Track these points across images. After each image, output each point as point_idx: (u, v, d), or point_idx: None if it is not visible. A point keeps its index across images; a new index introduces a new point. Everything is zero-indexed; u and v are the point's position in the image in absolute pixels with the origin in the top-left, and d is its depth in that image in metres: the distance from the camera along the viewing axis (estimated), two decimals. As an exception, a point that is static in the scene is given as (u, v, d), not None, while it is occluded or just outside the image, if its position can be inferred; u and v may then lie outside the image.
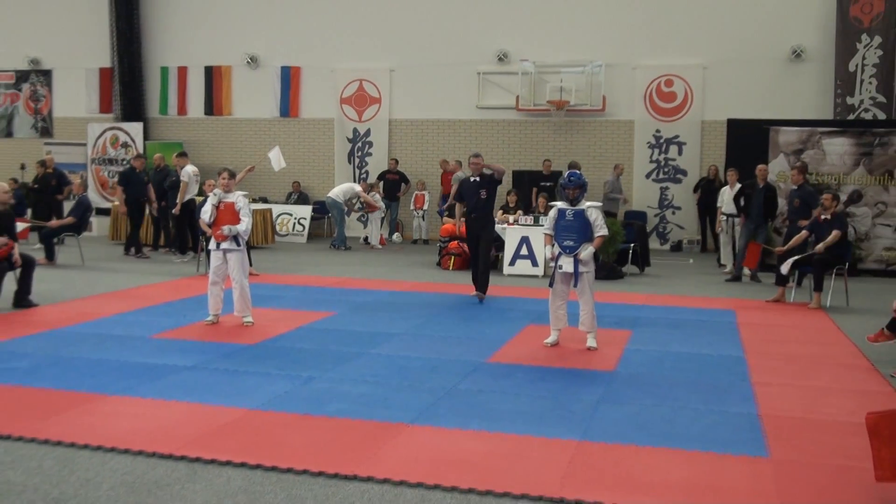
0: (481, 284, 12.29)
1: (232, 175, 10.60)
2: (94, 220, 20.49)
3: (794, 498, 5.17)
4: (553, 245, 9.39)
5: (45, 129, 24.98)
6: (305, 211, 21.68)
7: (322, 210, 21.40)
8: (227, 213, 10.29)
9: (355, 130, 22.67)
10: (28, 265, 11.51)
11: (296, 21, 22.74)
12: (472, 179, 12.34)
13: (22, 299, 11.41)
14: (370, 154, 22.56)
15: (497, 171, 12.36)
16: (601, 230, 9.26)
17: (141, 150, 22.66)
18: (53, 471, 5.47)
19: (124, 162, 22.94)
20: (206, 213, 10.34)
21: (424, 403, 7.05)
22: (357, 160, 22.69)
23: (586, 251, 9.18)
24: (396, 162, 21.58)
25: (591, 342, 9.30)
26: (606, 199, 18.79)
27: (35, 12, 24.69)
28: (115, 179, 19.36)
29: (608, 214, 18.39)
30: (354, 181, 21.34)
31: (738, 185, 15.45)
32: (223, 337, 9.68)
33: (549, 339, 9.48)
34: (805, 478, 5.51)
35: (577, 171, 9.74)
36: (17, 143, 24.95)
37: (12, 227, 11.75)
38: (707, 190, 18.96)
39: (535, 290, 13.24)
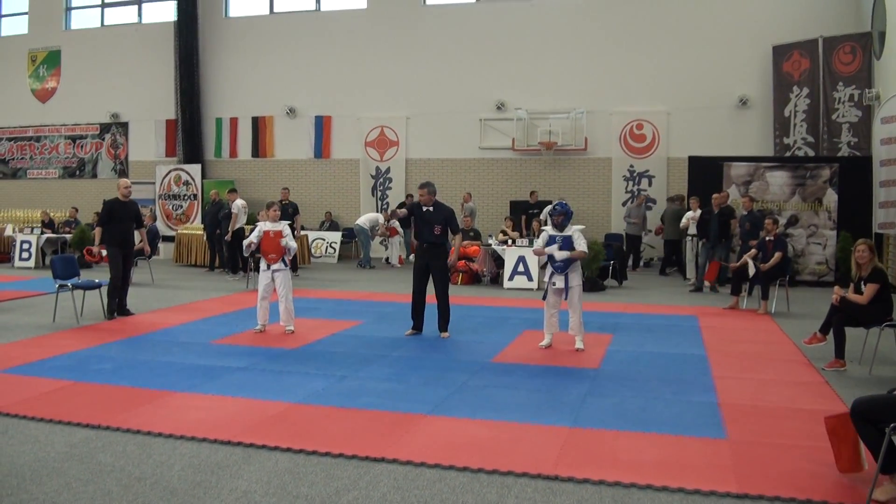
0: (442, 323, 10.22)
1: (278, 209, 10.72)
2: (162, 246, 20.56)
3: (747, 471, 5.18)
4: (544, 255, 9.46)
5: (122, 170, 25.05)
6: (336, 236, 21.66)
7: (350, 235, 21.43)
8: (274, 240, 10.34)
9: (377, 168, 22.72)
10: (126, 279, 11.79)
11: (327, 78, 22.88)
12: (423, 209, 10.16)
13: (121, 308, 11.67)
14: (390, 188, 22.59)
15: (457, 244, 10.50)
16: (581, 247, 9.29)
17: (199, 188, 22.82)
18: (135, 454, 5.52)
19: (185, 197, 23.17)
20: (252, 238, 10.44)
21: (439, 397, 7.06)
22: (379, 193, 22.72)
23: (562, 253, 9.20)
24: (411, 196, 21.55)
25: (579, 344, 9.29)
26: (629, 224, 18.93)
27: (115, 76, 24.92)
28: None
29: (631, 236, 18.39)
30: (377, 211, 21.40)
31: (699, 211, 15.57)
32: (270, 343, 9.69)
33: (544, 342, 9.46)
34: (755, 455, 5.51)
35: (563, 202, 9.75)
36: (100, 182, 25.09)
37: (140, 217, 12.22)
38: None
39: (530, 301, 13.24)
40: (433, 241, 10.17)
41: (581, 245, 9.26)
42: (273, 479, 5.05)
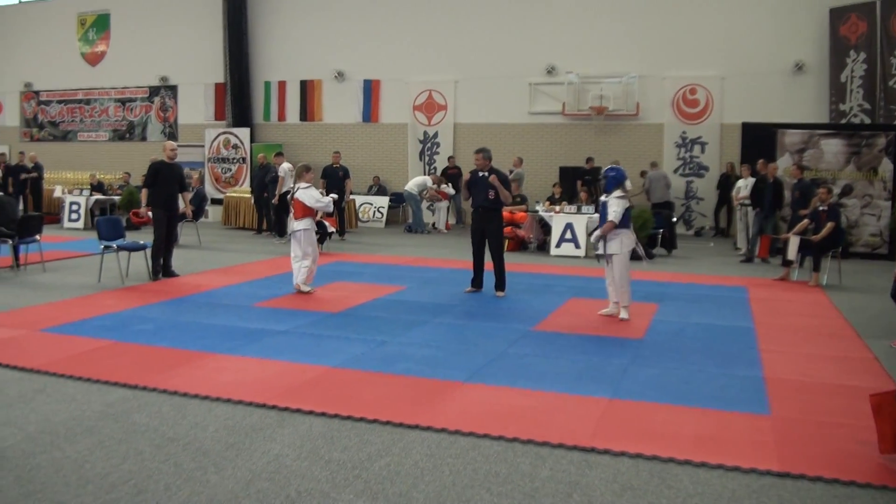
0: (499, 283, 10.72)
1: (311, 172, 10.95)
2: (209, 209, 20.73)
3: (789, 449, 5.04)
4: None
5: (171, 133, 25.29)
6: (384, 201, 21.72)
7: (398, 200, 21.43)
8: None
9: (425, 133, 22.61)
10: (171, 241, 11.98)
11: (376, 41, 22.75)
12: (479, 175, 10.52)
13: (166, 270, 11.83)
14: (437, 153, 22.47)
15: (503, 196, 10.46)
16: (610, 216, 9.06)
17: (248, 151, 22.95)
18: (170, 415, 5.55)
19: (234, 160, 23.34)
20: (322, 201, 10.58)
21: (478, 365, 7.00)
22: (427, 158, 22.64)
23: (596, 233, 9.33)
24: (453, 159, 21.42)
25: (623, 314, 9.15)
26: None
27: (165, 40, 25.11)
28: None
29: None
30: (426, 175, 21.30)
31: (752, 179, 15.26)
32: (312, 306, 9.70)
33: (604, 310, 9.38)
34: (799, 433, 5.37)
35: (613, 167, 9.51)
36: (149, 145, 25.31)
37: (184, 180, 12.39)
38: (724, 184, 18.73)
39: (577, 268, 13.13)
40: (487, 205, 10.54)
41: (611, 214, 9.05)
42: (306, 443, 5.04)
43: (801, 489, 4.47)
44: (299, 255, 10.48)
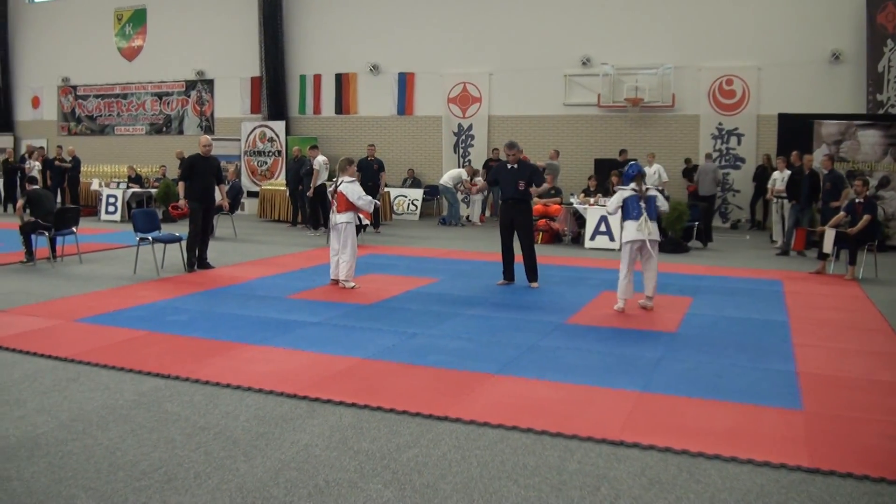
0: (531, 274, 10.70)
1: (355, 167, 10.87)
2: (245, 201, 20.90)
3: (820, 445, 4.96)
4: None
5: (208, 127, 25.50)
6: (418, 193, 21.72)
7: (432, 192, 21.46)
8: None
9: (460, 125, 22.58)
10: (206, 233, 12.10)
11: (410, 34, 22.76)
12: (508, 167, 10.66)
13: (201, 261, 11.97)
14: (472, 146, 22.44)
15: (535, 189, 10.67)
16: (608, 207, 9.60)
17: (283, 145, 23.07)
18: (201, 404, 5.61)
19: (270, 154, 23.47)
20: (364, 198, 10.49)
21: (509, 357, 6.98)
22: (461, 150, 22.61)
23: None
24: (497, 150, 21.33)
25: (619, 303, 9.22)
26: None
27: (201, 35, 25.31)
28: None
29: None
30: (460, 168, 21.26)
31: (788, 171, 15.08)
32: (345, 298, 9.73)
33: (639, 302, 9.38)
34: (831, 428, 5.28)
35: (631, 162, 9.76)
36: (185, 139, 25.54)
37: (220, 173, 12.62)
38: (760, 176, 18.53)
39: (611, 261, 13.00)
40: (517, 196, 10.60)
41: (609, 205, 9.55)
42: (335, 434, 5.06)
43: (830, 485, 4.40)
44: (337, 248, 10.49)
